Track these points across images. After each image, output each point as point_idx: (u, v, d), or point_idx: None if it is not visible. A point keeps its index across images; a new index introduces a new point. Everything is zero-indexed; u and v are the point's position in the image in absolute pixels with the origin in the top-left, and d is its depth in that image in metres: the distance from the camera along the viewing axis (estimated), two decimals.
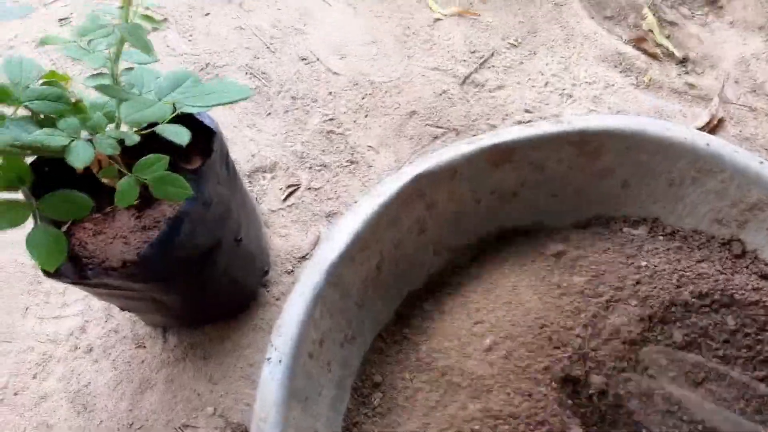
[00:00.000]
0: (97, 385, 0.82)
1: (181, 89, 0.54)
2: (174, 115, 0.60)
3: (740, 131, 1.01)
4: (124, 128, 0.62)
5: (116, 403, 0.80)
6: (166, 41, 1.11)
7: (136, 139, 0.59)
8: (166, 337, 0.83)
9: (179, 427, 0.78)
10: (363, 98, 1.02)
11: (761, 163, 0.68)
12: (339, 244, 0.65)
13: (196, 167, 0.69)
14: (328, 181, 0.94)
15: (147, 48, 0.50)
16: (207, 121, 0.67)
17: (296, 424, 0.59)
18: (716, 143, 0.70)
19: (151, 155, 0.61)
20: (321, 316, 0.64)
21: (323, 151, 0.97)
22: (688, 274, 0.70)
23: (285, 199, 0.93)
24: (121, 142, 0.60)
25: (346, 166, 0.96)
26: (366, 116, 1.00)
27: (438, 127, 1.00)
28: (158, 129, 0.59)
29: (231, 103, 0.52)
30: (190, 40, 1.11)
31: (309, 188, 0.94)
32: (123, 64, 0.58)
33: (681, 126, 0.72)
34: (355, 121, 1.00)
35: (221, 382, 0.80)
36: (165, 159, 0.61)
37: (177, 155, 0.70)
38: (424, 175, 0.70)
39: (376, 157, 0.97)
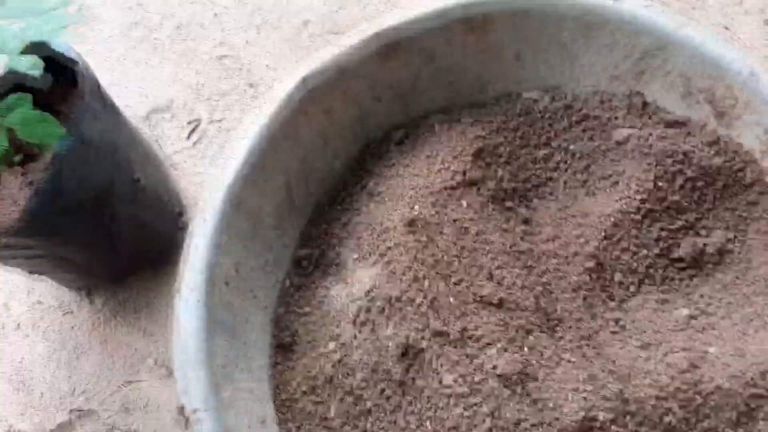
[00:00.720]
0: (32, 359, 0.79)
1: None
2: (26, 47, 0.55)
3: None
4: None
5: (53, 373, 0.78)
6: None
7: None
8: (91, 299, 0.81)
9: (122, 384, 0.76)
10: (251, 15, 0.96)
11: (646, 6, 0.66)
12: (233, 166, 0.62)
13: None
14: (229, 110, 0.90)
15: None
16: (68, 53, 0.62)
17: (224, 353, 0.58)
18: None
19: (11, 95, 0.57)
20: (231, 240, 0.62)
21: (219, 78, 0.92)
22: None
23: (188, 137, 0.89)
24: None
25: (245, 90, 0.91)
26: (257, 33, 0.95)
27: (334, 33, 0.95)
28: (9, 63, 0.55)
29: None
30: None
31: (211, 121, 0.89)
32: None
33: None
34: (246, 41, 0.94)
35: (156, 333, 0.78)
36: (26, 96, 0.57)
37: (52, 101, 0.65)
38: (310, 76, 0.67)
39: (275, 76, 0.92)
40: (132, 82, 0.93)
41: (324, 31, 0.95)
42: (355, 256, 0.67)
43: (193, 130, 0.89)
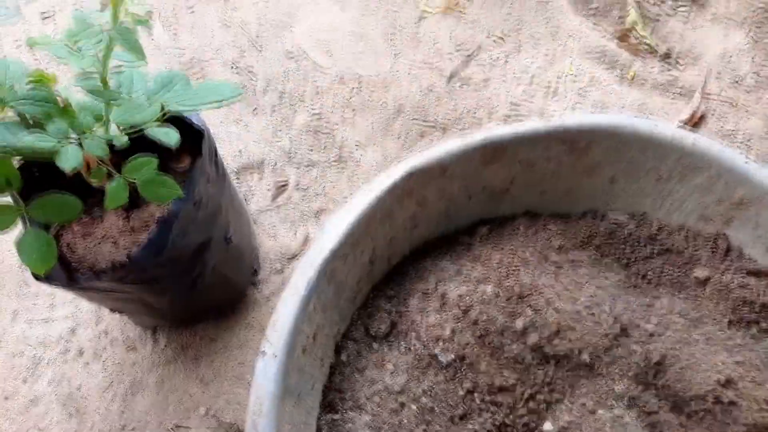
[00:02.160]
0: (89, 388, 0.81)
1: (171, 91, 0.54)
2: (162, 115, 0.60)
3: (722, 126, 1.03)
4: (112, 130, 0.62)
5: (108, 405, 0.80)
6: (150, 35, 1.10)
7: (126, 141, 0.59)
8: (156, 338, 0.83)
9: (172, 428, 0.78)
10: (350, 95, 1.02)
11: (746, 162, 0.69)
12: (333, 240, 0.66)
13: (186, 167, 0.69)
14: (315, 179, 0.94)
15: (138, 51, 0.50)
16: (195, 121, 0.67)
17: (290, 418, 0.60)
18: (702, 141, 0.71)
19: (139, 156, 0.61)
20: (315, 310, 0.64)
21: (311, 148, 0.97)
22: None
23: (274, 198, 0.93)
24: (110, 144, 0.60)
25: (333, 163, 0.96)
26: (353, 113, 1.00)
27: (425, 123, 1.00)
28: (147, 130, 0.59)
29: (221, 104, 0.52)
30: (175, 35, 1.10)
31: (297, 187, 0.94)
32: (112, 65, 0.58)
33: (668, 123, 0.73)
34: (342, 118, 1.00)
35: (212, 383, 0.80)
36: (154, 160, 0.61)
37: (166, 156, 0.70)
38: (415, 171, 0.71)
39: (363, 154, 0.97)
40: (230, 138, 0.98)
41: (414, 120, 1.00)
42: (404, 344, 0.69)
43: (279, 192, 0.93)
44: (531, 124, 0.72)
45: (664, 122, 0.72)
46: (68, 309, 0.86)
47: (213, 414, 0.78)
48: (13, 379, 0.82)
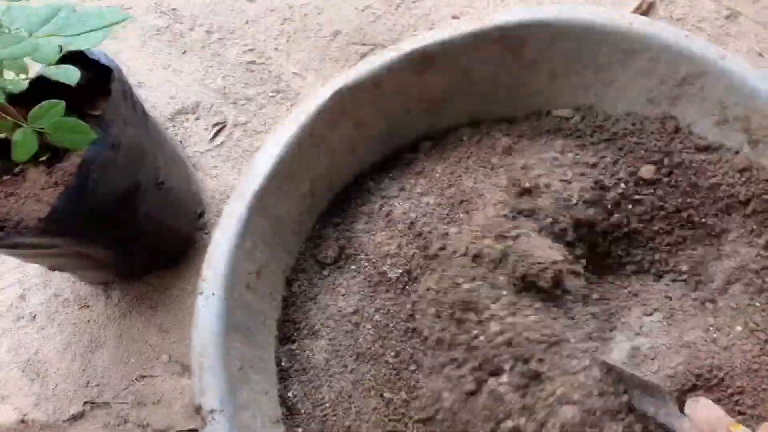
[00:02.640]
0: (47, 351, 0.80)
1: (55, 21, 0.50)
2: (63, 55, 0.56)
3: (671, 12, 1.00)
4: (10, 77, 0.58)
5: (68, 365, 0.79)
6: None
7: (23, 85, 0.55)
8: (109, 294, 0.82)
9: (136, 378, 0.77)
10: (282, 23, 0.97)
11: (686, 36, 0.67)
12: (261, 174, 0.63)
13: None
14: (255, 115, 0.91)
15: None
16: (102, 59, 0.63)
17: (240, 354, 0.59)
18: (639, 22, 0.68)
19: (45, 102, 0.57)
20: (254, 247, 0.63)
21: (246, 83, 0.93)
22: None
23: (212, 139, 0.90)
24: (12, 94, 0.56)
25: (272, 96, 0.92)
26: (287, 41, 0.96)
27: (364, 44, 0.96)
28: (45, 71, 0.55)
29: (110, 26, 0.48)
30: None
31: (236, 124, 0.90)
32: None
33: (603, 9, 0.70)
34: (276, 49, 0.95)
35: (172, 330, 0.79)
36: (60, 103, 0.57)
37: (81, 101, 0.66)
38: (343, 90, 0.68)
39: (302, 84, 0.93)
40: (160, 84, 0.94)
41: (353, 43, 0.96)
42: (354, 267, 0.68)
43: (217, 132, 0.90)
44: (460, 27, 0.69)
45: (596, 8, 0.69)
46: (15, 276, 0.84)
47: (176, 359, 0.77)
48: None
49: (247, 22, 0.98)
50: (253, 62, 0.95)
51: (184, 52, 0.96)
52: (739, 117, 0.65)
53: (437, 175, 0.71)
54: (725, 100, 0.65)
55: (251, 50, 0.96)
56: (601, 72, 0.72)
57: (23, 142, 0.56)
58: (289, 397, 0.62)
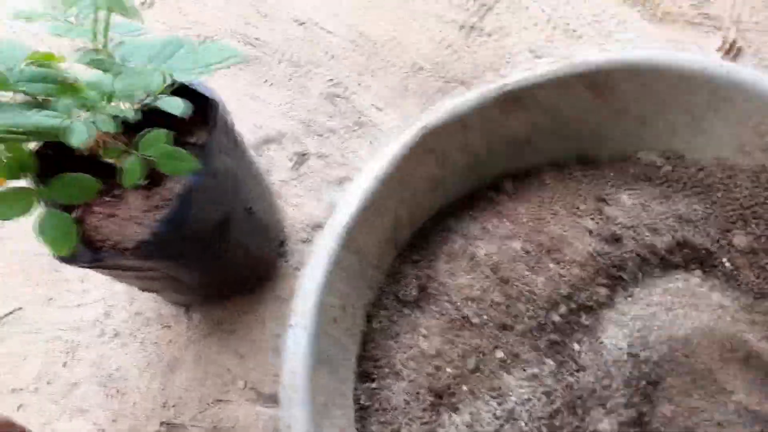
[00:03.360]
0: (127, 368, 0.82)
1: (174, 57, 0.53)
2: (171, 87, 0.59)
3: (760, 59, 0.97)
4: (123, 105, 0.61)
5: (148, 383, 0.81)
6: (155, 17, 1.09)
7: (134, 114, 0.58)
8: (190, 315, 0.83)
9: (212, 402, 0.78)
10: (366, 58, 0.99)
11: None
12: (351, 208, 0.64)
13: (201, 140, 0.68)
14: (336, 147, 0.93)
15: (130, 11, 0.49)
16: (206, 92, 0.66)
17: (324, 389, 0.59)
18: (735, 70, 0.67)
19: (153, 130, 0.60)
20: (340, 280, 0.63)
21: (329, 116, 0.95)
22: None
23: (295, 169, 0.91)
24: (124, 121, 0.59)
25: (353, 129, 0.94)
26: (370, 76, 0.98)
27: (444, 80, 0.97)
28: (157, 102, 0.58)
29: (224, 64, 0.51)
30: (180, 13, 1.09)
31: (318, 155, 0.92)
32: (113, 39, 0.57)
33: (697, 55, 0.69)
34: (358, 83, 0.97)
35: (249, 355, 0.80)
36: (168, 133, 0.60)
37: (180, 130, 0.69)
38: (430, 128, 0.69)
39: (383, 118, 0.94)
40: (247, 113, 0.97)
41: (433, 78, 0.97)
42: (435, 308, 0.68)
43: (300, 162, 0.92)
44: (549, 68, 0.69)
45: (693, 54, 0.68)
46: (101, 292, 0.87)
47: (251, 386, 0.78)
48: (53, 364, 0.83)
49: (332, 56, 1.00)
50: (336, 95, 0.97)
51: (270, 83, 0.99)
52: None
53: (522, 218, 0.70)
54: None
55: (334, 84, 0.98)
56: (692, 119, 0.70)
57: (133, 168, 0.58)
58: None
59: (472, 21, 1.01)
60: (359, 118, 0.95)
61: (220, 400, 0.78)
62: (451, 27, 1.01)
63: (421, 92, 0.96)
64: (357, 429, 0.62)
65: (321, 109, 0.96)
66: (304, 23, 1.04)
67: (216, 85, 0.99)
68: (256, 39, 1.04)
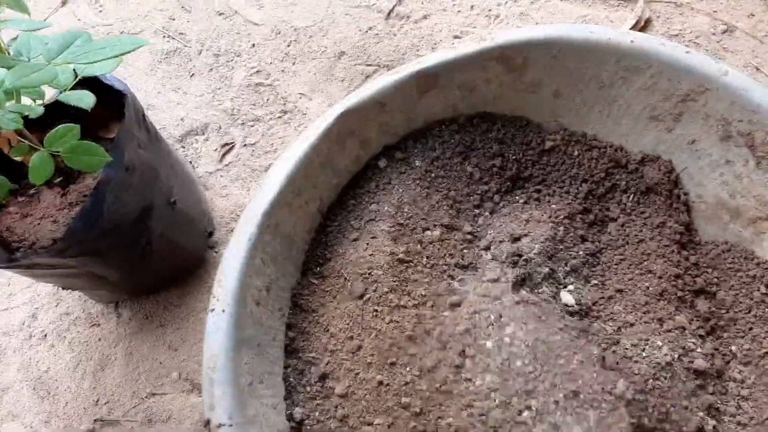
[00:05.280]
0: (57, 369, 0.81)
1: (71, 50, 0.52)
2: (76, 80, 0.58)
3: (668, 29, 1.02)
4: (28, 102, 0.60)
5: (79, 383, 0.80)
6: (76, 15, 1.07)
7: (39, 110, 0.57)
8: (119, 312, 0.83)
9: (146, 396, 0.78)
10: (288, 45, 0.99)
11: (687, 52, 0.68)
12: (270, 192, 0.65)
13: (116, 135, 0.67)
14: (263, 135, 0.93)
15: (21, 6, 0.48)
16: (116, 85, 0.65)
17: (250, 369, 0.60)
18: (640, 39, 0.70)
19: (60, 126, 0.59)
20: (263, 263, 0.64)
21: (254, 105, 0.95)
22: None
23: (221, 159, 0.91)
24: (27, 118, 0.58)
25: (279, 117, 0.94)
26: (293, 63, 0.98)
27: (368, 65, 0.98)
28: (61, 96, 0.57)
29: (122, 54, 0.50)
30: (100, 11, 1.07)
31: (244, 145, 0.92)
32: (10, 35, 0.56)
33: (604, 27, 0.72)
34: (282, 70, 0.97)
35: (181, 348, 0.80)
36: (75, 127, 0.59)
37: (94, 125, 0.68)
38: (349, 111, 0.69)
39: (309, 104, 0.95)
40: (169, 106, 0.96)
41: (357, 64, 0.98)
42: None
43: (226, 153, 0.92)
44: (462, 47, 0.71)
45: (597, 26, 0.71)
46: (26, 295, 0.85)
47: (186, 377, 0.78)
48: None
49: (254, 45, 1.00)
50: (260, 84, 0.97)
51: (192, 75, 0.99)
52: (743, 133, 0.66)
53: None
54: (728, 116, 0.66)
55: (258, 72, 0.98)
56: (604, 89, 0.73)
57: (40, 165, 0.57)
58: (296, 411, 0.63)
59: (393, 6, 1.02)
60: (285, 105, 0.95)
61: (154, 394, 0.78)
62: (373, 12, 1.02)
63: (346, 77, 0.97)
64: (287, 405, 0.63)
65: (245, 99, 0.96)
66: (225, 14, 1.04)
67: (136, 79, 0.98)
68: (181, 35, 1.03)
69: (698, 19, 1.00)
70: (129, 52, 0.50)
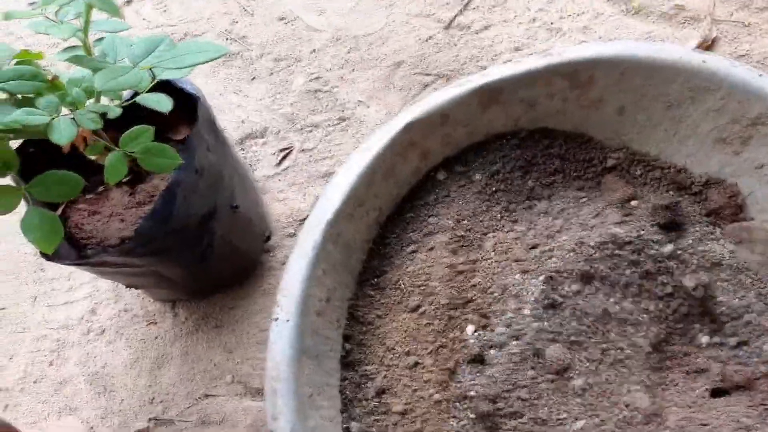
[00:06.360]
0: (114, 365, 0.82)
1: (155, 54, 0.53)
2: (153, 83, 0.59)
3: (735, 49, 0.99)
4: (105, 102, 0.61)
5: (135, 380, 0.81)
6: (140, 15, 1.09)
7: (118, 111, 0.58)
8: (176, 312, 0.84)
9: (200, 397, 0.79)
10: (347, 52, 1.00)
11: (760, 75, 0.66)
12: (334, 202, 0.65)
13: (184, 136, 0.68)
14: (320, 141, 0.93)
15: (113, 9, 0.49)
16: (189, 88, 0.66)
17: (309, 380, 0.60)
18: (711, 59, 0.68)
19: (135, 127, 0.60)
20: (324, 273, 0.64)
21: (312, 110, 0.96)
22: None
23: (279, 164, 0.92)
24: (103, 116, 0.59)
25: (337, 123, 0.94)
26: (352, 70, 0.98)
27: (427, 74, 0.98)
28: (139, 99, 0.58)
29: (208, 61, 0.51)
30: (164, 11, 1.09)
31: (302, 150, 0.93)
32: (94, 36, 0.57)
33: (673, 45, 0.70)
34: (341, 77, 0.98)
35: (236, 350, 0.80)
36: (150, 129, 0.60)
37: (163, 127, 0.69)
38: (414, 123, 0.69)
39: (366, 112, 0.95)
40: (230, 108, 0.97)
41: (416, 73, 0.98)
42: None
43: (284, 157, 0.92)
44: (528, 62, 0.70)
45: (667, 45, 0.69)
46: (86, 290, 0.87)
47: (239, 380, 0.79)
48: (40, 363, 0.83)
49: (314, 50, 1.01)
50: (319, 90, 0.97)
51: (253, 78, 1.00)
52: None
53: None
54: None
55: (317, 78, 0.98)
56: (671, 109, 0.72)
57: (115, 165, 0.58)
58: (353, 425, 0.62)
59: (454, 15, 1.02)
60: (343, 112, 0.95)
61: (208, 395, 0.78)
62: (432, 21, 1.02)
63: (404, 86, 0.97)
64: (343, 418, 0.63)
65: (304, 104, 0.96)
66: (286, 19, 1.05)
67: (199, 81, 1.00)
68: (243, 38, 1.04)
69: (766, 40, 0.98)
70: (214, 59, 0.51)
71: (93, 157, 0.64)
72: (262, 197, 0.88)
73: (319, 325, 0.63)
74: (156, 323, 0.83)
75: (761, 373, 0.60)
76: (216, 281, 0.81)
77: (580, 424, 0.58)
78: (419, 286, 0.66)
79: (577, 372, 0.60)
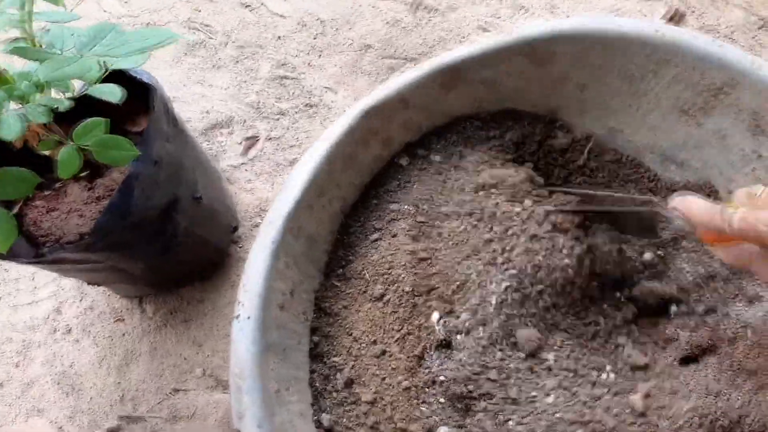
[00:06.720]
0: (82, 364, 0.81)
1: (104, 42, 0.51)
2: (106, 74, 0.57)
3: (703, 23, 0.99)
4: (57, 95, 0.59)
5: (104, 378, 0.79)
6: (101, 5, 1.06)
7: (67, 103, 0.56)
8: (143, 307, 0.82)
9: (170, 392, 0.77)
10: (313, 38, 0.98)
11: (720, 46, 0.66)
12: (293, 194, 0.63)
13: (143, 128, 0.66)
14: (287, 129, 0.91)
15: None
16: (145, 78, 0.64)
17: (276, 375, 0.59)
18: (672, 31, 0.68)
19: (88, 119, 0.58)
20: (287, 266, 0.63)
21: (279, 98, 0.94)
22: None
23: (245, 153, 0.90)
24: (56, 111, 0.57)
25: (304, 110, 0.93)
26: (319, 56, 0.97)
27: (394, 58, 0.97)
28: (90, 90, 0.56)
29: (156, 46, 0.49)
30: (126, 2, 1.06)
31: (269, 138, 0.91)
32: (42, 28, 0.55)
33: (633, 19, 0.70)
34: (308, 63, 0.96)
35: (206, 343, 0.79)
36: (103, 122, 0.58)
37: (122, 119, 0.67)
38: (371, 109, 0.68)
39: (334, 98, 0.94)
40: (195, 98, 0.95)
41: (383, 57, 0.96)
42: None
43: (250, 146, 0.91)
44: (485, 41, 0.69)
45: (627, 19, 0.69)
46: (51, 289, 0.85)
47: (210, 373, 0.78)
48: (5, 365, 0.81)
49: (279, 37, 0.99)
50: (285, 77, 0.95)
51: (218, 67, 0.98)
52: None
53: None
54: (760, 110, 0.64)
55: (283, 65, 0.96)
56: (633, 83, 0.71)
57: (68, 159, 0.57)
58: (323, 417, 0.62)
59: None
60: (310, 98, 0.94)
61: (179, 390, 0.77)
62: (399, 4, 1.00)
63: (372, 71, 0.96)
64: (314, 410, 0.62)
65: (270, 92, 0.94)
66: (251, 6, 1.02)
67: (162, 72, 0.97)
68: (206, 26, 1.02)
69: (734, 13, 0.97)
70: (162, 45, 0.49)
71: (47, 152, 0.62)
72: (228, 188, 0.87)
73: (284, 319, 0.62)
74: (123, 320, 0.82)
75: (728, 337, 0.60)
76: (181, 274, 0.80)
77: (550, 399, 0.58)
78: (383, 275, 0.65)
79: (546, 352, 0.60)
